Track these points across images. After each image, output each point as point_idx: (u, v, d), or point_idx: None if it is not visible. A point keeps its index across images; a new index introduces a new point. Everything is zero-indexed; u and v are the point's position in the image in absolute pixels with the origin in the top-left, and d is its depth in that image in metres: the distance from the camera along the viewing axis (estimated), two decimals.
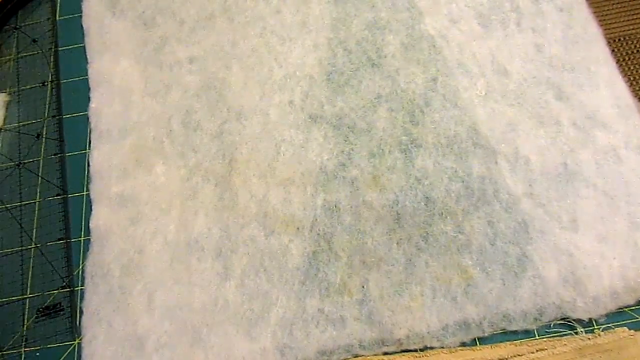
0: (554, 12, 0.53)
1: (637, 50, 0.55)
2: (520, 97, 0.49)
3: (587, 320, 0.42)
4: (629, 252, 0.42)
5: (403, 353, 0.41)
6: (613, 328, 0.42)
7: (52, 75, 0.56)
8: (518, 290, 0.42)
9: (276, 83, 0.51)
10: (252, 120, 0.50)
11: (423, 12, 0.54)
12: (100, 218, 0.47)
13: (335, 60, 0.52)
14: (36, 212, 0.49)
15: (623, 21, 0.57)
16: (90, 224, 0.47)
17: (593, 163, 0.46)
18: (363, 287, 0.43)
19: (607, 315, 0.42)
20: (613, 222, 0.44)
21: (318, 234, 0.45)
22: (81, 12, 0.58)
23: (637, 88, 0.52)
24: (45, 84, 0.55)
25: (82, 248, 0.47)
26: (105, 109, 0.52)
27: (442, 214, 0.45)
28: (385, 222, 0.45)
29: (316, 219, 0.45)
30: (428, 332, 0.41)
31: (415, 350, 0.41)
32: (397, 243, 0.44)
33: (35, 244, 0.48)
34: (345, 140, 0.48)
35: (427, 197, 0.45)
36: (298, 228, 0.45)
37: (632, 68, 0.53)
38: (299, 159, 0.48)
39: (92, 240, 0.47)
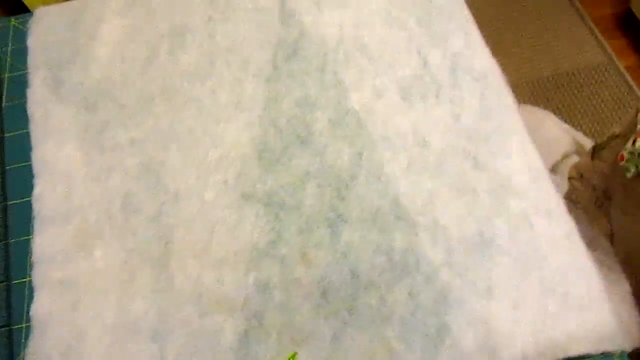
0: (470, 82, 0.56)
1: (586, 84, 0.58)
2: (439, 168, 0.52)
3: None
4: (540, 317, 0.45)
5: None
6: None
7: None
8: None
9: (211, 164, 0.54)
10: (188, 202, 0.52)
11: (349, 88, 0.57)
12: (41, 305, 0.49)
13: (266, 138, 0.55)
14: None
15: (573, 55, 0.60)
16: (30, 311, 0.49)
17: (507, 230, 0.49)
18: None
19: None
20: (525, 288, 0.46)
21: (250, 313, 0.47)
22: (26, 98, 0.60)
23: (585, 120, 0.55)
24: None
25: (23, 335, 0.49)
26: (48, 194, 0.54)
27: (366, 287, 0.47)
28: (313, 298, 0.47)
29: (248, 298, 0.48)
30: None
31: None
32: (325, 318, 0.46)
33: None
34: (276, 218, 0.51)
35: (352, 272, 0.48)
36: (231, 307, 0.47)
37: (581, 101, 0.56)
38: (232, 238, 0.50)
39: (32, 327, 0.48)
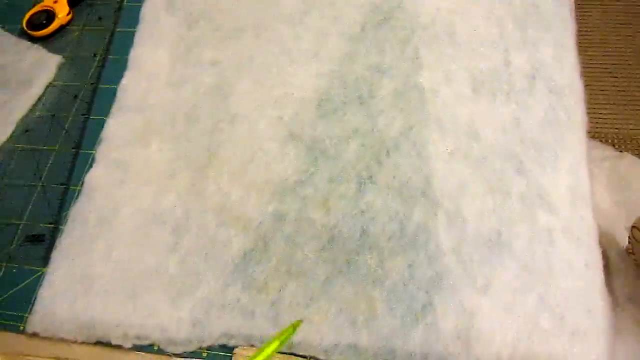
0: (544, 92, 0.55)
1: None
2: (481, 162, 0.52)
3: None
4: (527, 328, 0.44)
5: (293, 356, 0.46)
6: None
7: (103, 49, 0.66)
8: (412, 332, 0.45)
9: (273, 99, 0.58)
10: (242, 126, 0.56)
11: (424, 65, 0.58)
12: (95, 175, 0.56)
13: (331, 90, 0.58)
14: (52, 158, 0.59)
15: None
16: (85, 177, 0.56)
17: (526, 239, 0.48)
18: (280, 290, 0.48)
19: None
20: (523, 297, 0.46)
21: (259, 236, 0.50)
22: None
23: None
24: (96, 55, 0.65)
25: (75, 195, 0.56)
26: (131, 87, 0.61)
27: (371, 247, 0.49)
28: (319, 241, 0.50)
29: (263, 222, 0.51)
30: (320, 345, 0.45)
31: (305, 357, 0.46)
32: (324, 261, 0.49)
33: (42, 183, 0.57)
34: (313, 162, 0.54)
35: (363, 229, 0.50)
36: (245, 226, 0.51)
37: None
38: (267, 168, 0.54)
39: (82, 191, 0.55)
